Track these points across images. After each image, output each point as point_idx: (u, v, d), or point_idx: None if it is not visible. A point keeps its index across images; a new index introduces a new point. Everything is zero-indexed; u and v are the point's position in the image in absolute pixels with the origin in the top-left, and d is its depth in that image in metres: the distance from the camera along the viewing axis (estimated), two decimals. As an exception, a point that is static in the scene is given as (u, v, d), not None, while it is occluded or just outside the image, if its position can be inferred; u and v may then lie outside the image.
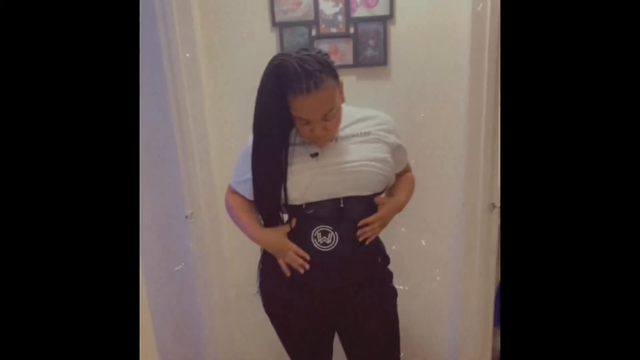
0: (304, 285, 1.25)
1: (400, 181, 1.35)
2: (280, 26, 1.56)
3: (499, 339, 1.85)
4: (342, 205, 1.17)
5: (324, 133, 1.12)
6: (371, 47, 1.55)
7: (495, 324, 1.78)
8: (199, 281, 1.74)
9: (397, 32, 1.56)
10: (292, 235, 1.21)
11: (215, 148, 1.65)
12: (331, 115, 1.11)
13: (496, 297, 1.76)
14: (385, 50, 1.56)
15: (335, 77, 1.11)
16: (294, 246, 1.20)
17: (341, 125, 1.21)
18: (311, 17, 1.55)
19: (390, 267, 1.37)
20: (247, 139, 1.21)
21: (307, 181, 1.15)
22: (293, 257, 1.20)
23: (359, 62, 1.57)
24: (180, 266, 1.79)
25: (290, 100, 1.08)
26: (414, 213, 1.70)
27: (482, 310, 1.71)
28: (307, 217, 1.18)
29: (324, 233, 1.18)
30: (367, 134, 1.21)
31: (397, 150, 1.25)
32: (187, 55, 1.52)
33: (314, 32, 1.56)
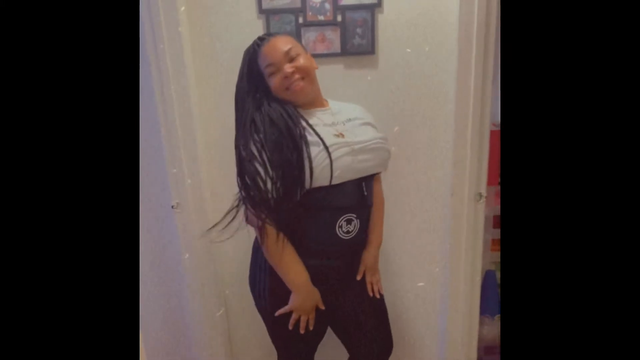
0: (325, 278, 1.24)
1: (378, 207, 1.38)
2: (266, 13, 1.54)
3: (485, 326, 1.87)
4: (365, 193, 1.21)
5: (294, 71, 1.17)
6: (359, 35, 1.54)
7: (481, 312, 1.80)
8: (186, 274, 1.73)
9: (385, 20, 1.54)
10: (317, 224, 1.18)
11: (201, 136, 1.63)
12: (294, 53, 1.18)
13: (482, 286, 1.77)
14: (372, 38, 1.54)
15: (292, 37, 1.25)
16: (314, 313, 1.23)
17: (337, 109, 1.28)
18: (298, 4, 1.52)
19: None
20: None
21: (346, 159, 1.15)
22: (305, 319, 1.22)
23: (347, 50, 1.55)
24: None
25: (259, 59, 1.20)
26: (401, 202, 1.70)
27: (468, 298, 1.73)
28: (331, 205, 1.17)
29: (349, 221, 1.20)
30: (363, 118, 1.29)
31: None
32: (172, 42, 1.50)
33: (301, 20, 1.54)
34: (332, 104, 1.30)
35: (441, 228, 1.73)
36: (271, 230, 1.14)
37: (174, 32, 1.49)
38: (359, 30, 1.54)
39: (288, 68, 1.17)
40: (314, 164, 1.11)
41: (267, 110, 1.15)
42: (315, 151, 1.12)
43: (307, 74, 1.19)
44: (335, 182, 1.14)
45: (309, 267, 1.21)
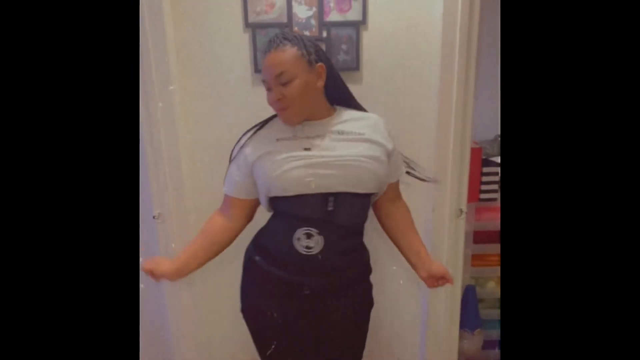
0: (289, 291, 1.23)
1: (405, 217, 1.40)
2: (252, 27, 1.55)
3: (465, 340, 1.88)
4: (330, 208, 1.16)
5: (278, 98, 1.15)
6: (344, 51, 1.56)
7: (461, 327, 1.81)
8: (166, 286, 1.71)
9: (369, 37, 1.57)
10: (273, 234, 1.23)
11: (184, 146, 1.63)
12: (284, 79, 1.13)
13: (462, 300, 1.79)
14: (357, 55, 1.57)
15: (302, 49, 1.15)
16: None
17: (337, 121, 1.23)
18: (284, 19, 1.54)
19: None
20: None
21: (297, 171, 1.14)
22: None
23: (332, 66, 1.58)
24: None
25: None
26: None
27: (448, 312, 1.74)
28: (290, 217, 1.17)
29: (309, 236, 1.16)
30: (361, 134, 1.21)
31: (392, 154, 1.26)
32: (158, 56, 1.50)
33: (287, 35, 1.56)
34: (343, 115, 1.25)
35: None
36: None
37: (160, 46, 1.50)
38: (344, 46, 1.56)
39: (275, 94, 1.16)
40: (268, 175, 1.17)
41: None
42: (270, 163, 1.17)
43: (291, 104, 1.15)
44: (287, 193, 1.16)
45: (279, 279, 1.23)
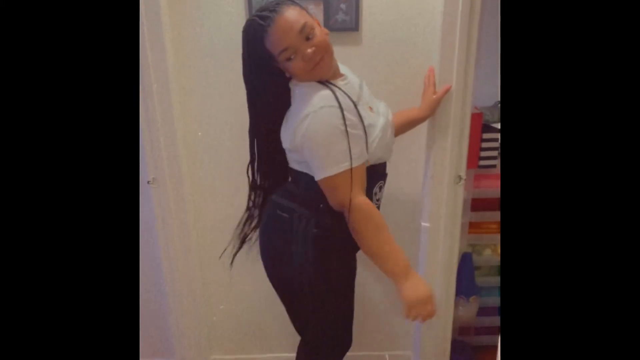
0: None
1: None
2: (248, -15, 1.50)
3: (460, 307, 1.90)
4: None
5: (314, 53, 1.07)
6: (342, 11, 1.51)
7: (457, 294, 1.82)
8: (162, 251, 1.71)
9: (369, -3, 1.52)
10: None
11: (178, 110, 1.59)
12: (310, 32, 1.06)
13: (458, 267, 1.79)
14: (357, 15, 1.52)
15: (297, 5, 1.11)
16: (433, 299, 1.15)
17: (349, 76, 1.22)
18: (281, -24, 1.49)
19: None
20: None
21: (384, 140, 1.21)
22: (431, 312, 1.16)
23: (330, 26, 1.53)
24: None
25: (267, 43, 1.08)
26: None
27: (445, 279, 1.74)
28: (370, 172, 1.18)
29: (381, 188, 1.27)
30: (360, 81, 1.28)
31: None
32: (151, 26, 1.45)
33: (283, -7, 1.51)
34: (341, 67, 1.23)
35: (415, 206, 1.74)
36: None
37: (153, 11, 1.44)
38: (343, 6, 1.51)
39: (309, 53, 1.06)
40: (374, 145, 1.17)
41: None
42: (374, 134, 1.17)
43: (325, 52, 1.09)
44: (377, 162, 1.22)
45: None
